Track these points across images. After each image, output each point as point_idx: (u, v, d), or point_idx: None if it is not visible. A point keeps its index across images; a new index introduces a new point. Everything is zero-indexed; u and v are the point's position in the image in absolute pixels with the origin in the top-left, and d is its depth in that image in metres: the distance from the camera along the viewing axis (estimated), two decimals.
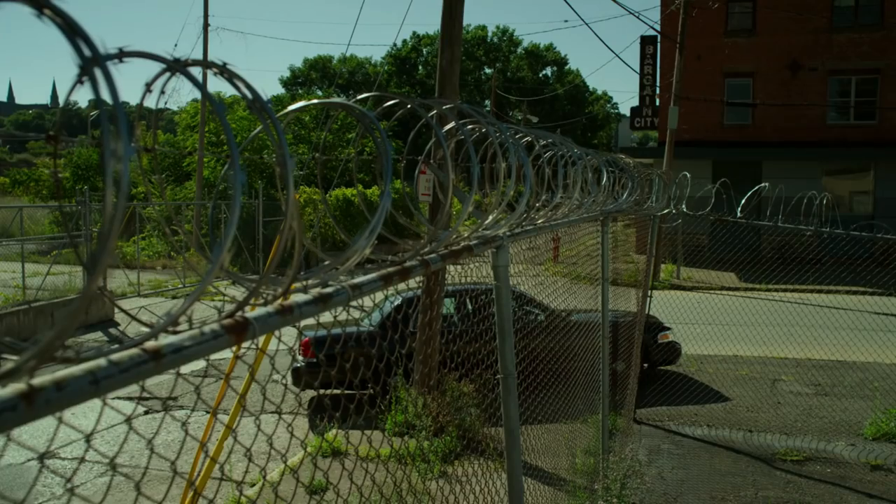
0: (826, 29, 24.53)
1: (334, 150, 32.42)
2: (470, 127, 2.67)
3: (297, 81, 67.82)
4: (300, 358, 8.88)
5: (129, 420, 1.36)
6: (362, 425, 7.52)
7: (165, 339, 0.95)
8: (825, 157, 23.84)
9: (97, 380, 0.81)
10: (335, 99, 1.50)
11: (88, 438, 0.99)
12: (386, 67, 63.72)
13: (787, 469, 6.63)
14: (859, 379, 9.50)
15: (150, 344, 0.92)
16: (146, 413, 9.30)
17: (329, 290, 1.36)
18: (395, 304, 8.81)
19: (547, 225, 3.28)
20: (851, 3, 24.58)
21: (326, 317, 2.08)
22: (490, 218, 2.25)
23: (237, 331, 1.07)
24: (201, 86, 1.02)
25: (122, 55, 1.04)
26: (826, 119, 24.93)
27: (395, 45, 64.35)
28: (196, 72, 1.23)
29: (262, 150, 27.57)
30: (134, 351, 0.89)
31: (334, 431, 7.40)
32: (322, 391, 9.27)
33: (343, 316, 1.95)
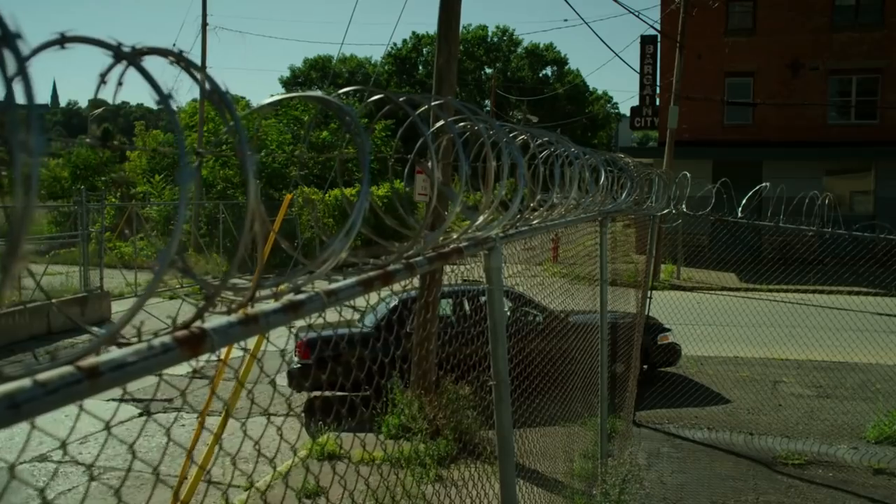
0: (827, 28, 24.42)
1: (333, 150, 32.33)
2: (462, 124, 2.58)
3: (298, 81, 67.66)
4: (295, 360, 8.79)
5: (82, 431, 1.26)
6: (359, 428, 7.42)
7: (105, 355, 0.85)
8: (826, 156, 23.74)
9: (17, 404, 0.72)
10: (312, 93, 1.41)
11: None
12: (386, 67, 63.64)
13: (789, 473, 6.54)
14: (861, 381, 9.40)
15: (87, 360, 0.82)
16: (140, 415, 9.20)
17: (301, 296, 1.26)
18: (393, 304, 8.71)
19: (543, 226, 3.18)
20: (852, 3, 24.48)
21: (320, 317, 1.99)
22: (481, 219, 2.15)
23: (192, 344, 0.97)
24: (151, 77, 0.93)
25: (64, 41, 0.95)
26: (827, 119, 24.83)
27: (394, 44, 64.32)
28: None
29: (261, 149, 27.47)
30: (66, 369, 0.79)
31: (329, 435, 7.31)
32: (317, 393, 9.18)
33: (340, 317, 1.85)
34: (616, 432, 7.21)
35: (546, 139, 3.34)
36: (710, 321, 10.51)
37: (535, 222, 3.01)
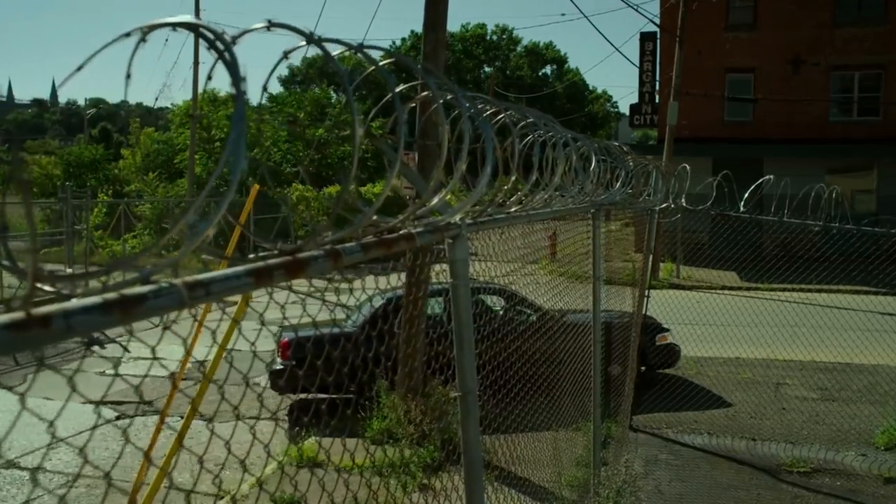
0: (828, 24, 24.05)
1: (328, 147, 32.01)
2: (423, 93, 2.22)
3: (296, 80, 67.22)
4: (278, 360, 8.42)
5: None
6: (343, 432, 7.08)
7: None
8: (827, 154, 23.35)
9: None
10: (181, 17, 1.06)
11: None
12: (385, 66, 63.35)
13: (794, 482, 6.18)
14: (868, 383, 9.03)
15: None
16: (118, 418, 8.85)
17: (143, 289, 0.90)
18: (380, 303, 8.36)
19: (522, 214, 2.82)
20: None
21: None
22: (436, 199, 1.79)
23: None
24: None
25: None
26: (828, 115, 24.45)
27: (393, 43, 64.05)
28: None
29: (254, 146, 27.13)
30: None
31: (309, 440, 6.96)
32: (300, 396, 8.82)
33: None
34: (611, 438, 6.86)
35: (530, 120, 2.98)
36: (711, 321, 10.14)
37: (513, 209, 2.65)
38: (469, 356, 2.14)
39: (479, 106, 2.38)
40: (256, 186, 5.05)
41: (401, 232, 1.74)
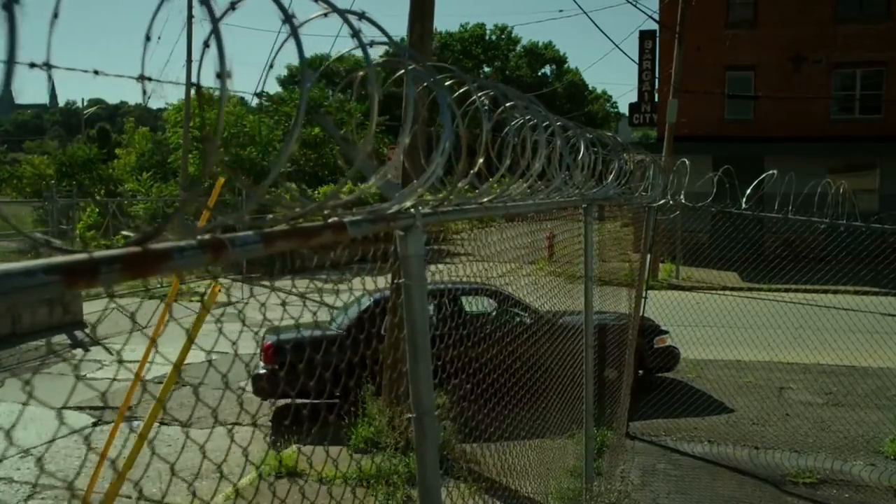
0: (830, 20, 23.73)
1: (325, 147, 31.70)
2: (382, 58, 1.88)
3: (295, 80, 66.88)
4: (261, 364, 8.09)
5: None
6: (326, 440, 6.75)
7: None
8: (829, 152, 23.00)
9: None
10: None
11: None
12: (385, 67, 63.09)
13: (800, 494, 5.84)
14: (874, 387, 8.68)
15: None
16: (95, 425, 8.51)
17: None
18: (366, 305, 8.04)
19: (498, 205, 2.49)
20: None
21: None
22: (372, 180, 1.46)
23: None
24: None
25: None
26: (830, 114, 24.13)
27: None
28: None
29: (247, 145, 26.83)
30: None
31: (293, 447, 6.63)
32: (282, 401, 8.49)
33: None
34: (607, 446, 6.52)
35: (510, 104, 2.63)
36: (711, 322, 9.80)
37: (484, 200, 2.32)
38: (426, 369, 1.81)
39: (448, 83, 2.06)
40: (221, 180, 4.73)
41: (329, 220, 1.40)
